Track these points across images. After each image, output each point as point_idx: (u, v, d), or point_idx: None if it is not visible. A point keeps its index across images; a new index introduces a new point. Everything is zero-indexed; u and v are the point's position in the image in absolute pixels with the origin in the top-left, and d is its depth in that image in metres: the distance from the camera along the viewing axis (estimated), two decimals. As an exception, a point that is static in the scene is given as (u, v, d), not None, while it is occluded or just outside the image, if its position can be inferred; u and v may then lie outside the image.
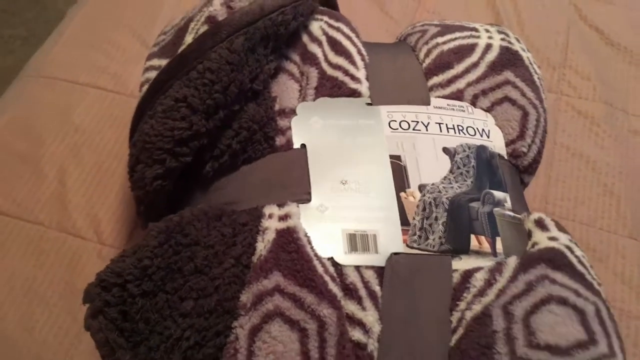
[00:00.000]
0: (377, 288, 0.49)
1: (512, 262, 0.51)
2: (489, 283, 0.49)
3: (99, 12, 0.94)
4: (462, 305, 0.49)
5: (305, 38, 0.60)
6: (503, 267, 0.50)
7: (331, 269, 0.49)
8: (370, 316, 0.48)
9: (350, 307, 0.48)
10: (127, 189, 0.76)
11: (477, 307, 0.48)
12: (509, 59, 0.62)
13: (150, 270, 0.47)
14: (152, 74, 0.60)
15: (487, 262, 0.51)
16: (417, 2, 0.98)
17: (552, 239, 0.53)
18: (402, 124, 0.57)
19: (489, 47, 0.62)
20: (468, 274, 0.50)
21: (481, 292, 0.49)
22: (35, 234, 0.72)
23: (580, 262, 0.51)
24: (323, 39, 0.60)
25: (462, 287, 0.50)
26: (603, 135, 0.84)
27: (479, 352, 0.46)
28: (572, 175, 0.81)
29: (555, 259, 0.50)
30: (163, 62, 0.60)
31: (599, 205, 0.79)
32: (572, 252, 0.52)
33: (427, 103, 0.58)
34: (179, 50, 0.57)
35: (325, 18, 0.63)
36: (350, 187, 0.53)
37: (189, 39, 0.57)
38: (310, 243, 0.49)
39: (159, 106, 0.53)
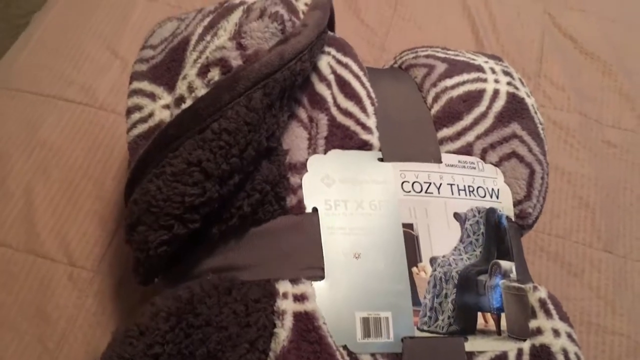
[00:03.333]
0: None
1: None
2: None
3: (66, 19, 0.90)
4: None
5: (313, 77, 0.57)
6: None
7: (347, 359, 0.48)
8: None
9: None
10: (97, 209, 0.74)
11: None
12: (515, 109, 0.61)
13: (161, 358, 0.44)
14: (142, 100, 0.57)
15: (492, 344, 0.52)
16: (393, 9, 0.97)
17: (556, 332, 0.53)
18: (415, 185, 0.55)
19: (496, 93, 0.61)
20: None
21: None
22: (2, 257, 0.69)
23: None
24: (332, 78, 0.58)
25: None
26: (578, 147, 0.85)
27: None
28: (548, 188, 0.81)
29: None
30: (156, 89, 0.57)
31: (574, 218, 0.80)
32: (567, 356, 0.52)
33: (439, 160, 0.57)
34: (179, 91, 0.54)
35: (333, 51, 0.60)
36: (363, 261, 0.51)
37: (191, 72, 0.53)
38: (329, 332, 0.48)
39: (169, 167, 0.49)
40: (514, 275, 0.55)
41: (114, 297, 0.68)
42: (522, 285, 0.55)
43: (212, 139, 0.48)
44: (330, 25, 0.66)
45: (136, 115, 0.56)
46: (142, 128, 0.55)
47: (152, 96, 0.56)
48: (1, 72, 0.85)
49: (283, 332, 0.47)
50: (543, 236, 0.78)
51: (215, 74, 0.51)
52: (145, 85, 0.57)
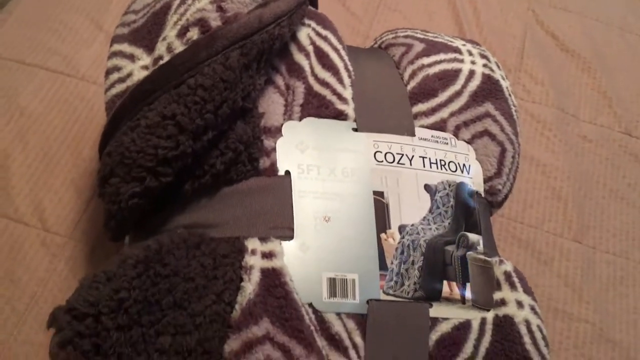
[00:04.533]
0: (358, 339, 0.49)
1: (481, 352, 0.52)
2: None
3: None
4: None
5: (292, 46, 0.58)
6: (475, 358, 0.52)
7: (312, 316, 0.49)
8: None
9: (336, 359, 0.48)
10: (74, 177, 0.74)
11: None
12: (490, 90, 0.62)
13: (127, 303, 0.44)
14: (121, 61, 0.57)
15: (456, 312, 0.53)
16: (379, -2, 0.98)
17: (519, 304, 0.55)
18: (388, 156, 0.56)
19: (472, 74, 0.62)
20: (442, 344, 0.51)
21: None
22: (-25, 220, 0.69)
23: (534, 342, 0.53)
24: (310, 49, 0.58)
25: (439, 355, 0.51)
26: (554, 140, 0.86)
27: None
28: (522, 178, 0.83)
29: (511, 352, 0.52)
30: (135, 51, 0.57)
31: (547, 209, 0.81)
32: (529, 327, 0.54)
33: (412, 133, 0.58)
34: (158, 52, 0.54)
35: (313, 24, 0.60)
36: (333, 225, 0.52)
37: (171, 34, 0.54)
38: (295, 288, 0.49)
39: (143, 119, 0.49)
40: (480, 247, 0.56)
41: (86, 263, 0.68)
42: (489, 258, 0.56)
43: (187, 94, 0.49)
44: (313, 3, 0.66)
45: (115, 76, 0.56)
46: (120, 88, 0.55)
47: (132, 57, 0.57)
48: (-18, 39, 0.85)
49: (250, 286, 0.47)
50: (515, 224, 0.79)
51: (194, 34, 0.52)
52: (125, 47, 0.58)
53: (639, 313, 0.75)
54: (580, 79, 0.94)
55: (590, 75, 0.94)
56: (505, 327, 0.53)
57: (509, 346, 0.52)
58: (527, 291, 0.56)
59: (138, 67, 0.56)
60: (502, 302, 0.55)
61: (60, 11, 0.87)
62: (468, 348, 0.52)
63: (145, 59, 0.56)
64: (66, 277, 0.67)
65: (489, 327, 0.53)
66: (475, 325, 0.53)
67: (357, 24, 0.94)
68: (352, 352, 0.49)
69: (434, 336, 0.51)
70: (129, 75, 0.56)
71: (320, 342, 0.48)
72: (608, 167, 0.86)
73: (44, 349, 0.63)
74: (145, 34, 0.58)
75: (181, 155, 0.49)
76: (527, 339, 0.53)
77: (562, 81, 0.93)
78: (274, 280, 0.48)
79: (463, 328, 0.52)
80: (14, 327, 0.64)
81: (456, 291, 0.54)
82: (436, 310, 0.52)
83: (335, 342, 0.49)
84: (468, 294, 0.54)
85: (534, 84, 0.91)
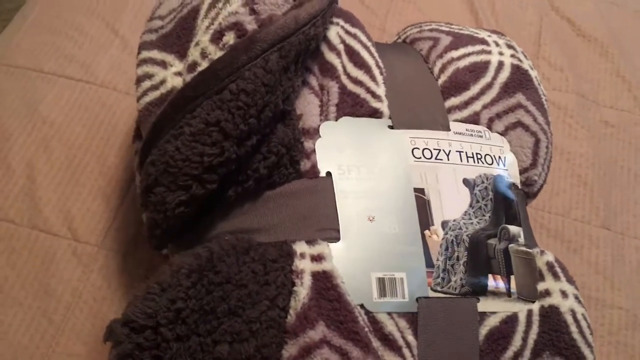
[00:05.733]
0: (410, 338, 0.49)
1: (530, 344, 0.52)
2: None
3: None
4: None
5: (323, 46, 0.58)
6: (524, 350, 0.52)
7: (365, 318, 0.49)
8: None
9: (391, 359, 0.48)
10: (100, 185, 0.73)
11: None
12: (520, 80, 0.62)
13: (184, 313, 0.44)
14: (152, 69, 0.56)
15: (503, 305, 0.53)
16: (393, -9, 0.97)
17: (564, 294, 0.55)
18: (425, 152, 0.56)
19: (501, 65, 0.62)
20: (491, 338, 0.52)
21: None
22: (6, 233, 0.69)
23: (579, 330, 0.54)
24: (341, 47, 0.58)
25: (488, 354, 0.51)
26: (576, 127, 0.86)
27: None
28: (548, 167, 0.83)
29: (559, 341, 0.52)
30: (165, 56, 0.57)
31: (573, 196, 0.81)
32: (575, 317, 0.54)
33: (447, 128, 0.58)
34: (191, 57, 0.54)
35: (341, 22, 0.60)
36: (377, 224, 0.52)
37: (204, 38, 0.53)
38: (347, 290, 0.49)
39: (187, 127, 0.49)
40: (522, 239, 0.56)
41: (119, 272, 0.68)
42: (530, 250, 0.56)
43: (230, 100, 0.48)
44: None
45: (147, 83, 0.56)
46: (153, 95, 0.55)
47: (163, 64, 0.56)
48: None
49: (303, 290, 0.47)
50: (543, 214, 0.79)
51: (230, 38, 0.52)
52: (154, 54, 0.57)
53: (672, 297, 0.75)
54: (599, 63, 0.93)
55: (608, 59, 0.93)
56: (551, 318, 0.53)
57: (556, 336, 0.52)
58: (570, 280, 0.56)
59: (171, 73, 0.55)
60: (547, 293, 0.55)
61: (75, 16, 0.87)
62: (517, 341, 0.52)
63: (178, 65, 0.56)
64: (100, 287, 0.67)
65: (535, 319, 0.53)
66: (522, 317, 0.53)
67: (372, 17, 0.94)
68: (406, 351, 0.49)
69: (483, 331, 0.51)
70: (162, 82, 0.55)
71: (375, 343, 0.48)
72: (632, 151, 0.86)
73: (82, 359, 0.63)
74: (175, 40, 0.57)
75: (226, 161, 0.49)
76: (573, 328, 0.53)
77: (581, 67, 0.92)
78: (325, 283, 0.48)
79: (511, 321, 0.52)
80: (52, 339, 0.64)
81: (501, 284, 0.54)
82: (483, 304, 0.52)
83: (389, 342, 0.49)
84: (513, 287, 0.54)
85: (552, 71, 0.91)
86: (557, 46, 0.93)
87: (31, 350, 0.63)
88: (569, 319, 0.53)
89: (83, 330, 0.64)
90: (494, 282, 0.54)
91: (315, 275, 0.48)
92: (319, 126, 0.54)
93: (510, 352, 0.51)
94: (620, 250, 0.78)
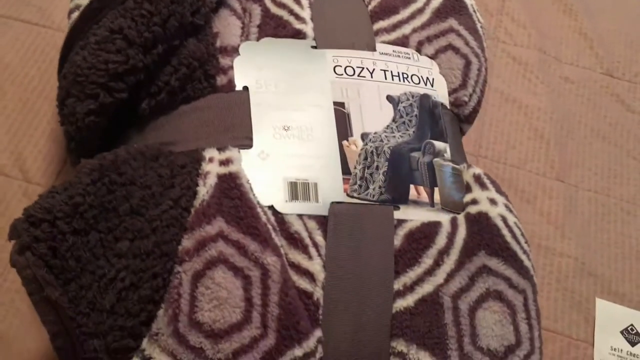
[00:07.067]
0: (319, 238, 0.49)
1: (458, 243, 0.51)
2: (437, 263, 0.50)
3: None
4: (410, 274, 0.50)
5: None
6: (450, 248, 0.51)
7: (272, 218, 0.49)
8: (316, 265, 0.48)
9: (295, 256, 0.48)
10: (54, 127, 0.73)
11: (428, 287, 0.49)
12: (453, 6, 0.62)
13: (82, 208, 0.45)
14: (82, 1, 0.56)
15: (424, 214, 0.52)
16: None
17: (492, 201, 0.54)
18: (347, 69, 0.56)
19: None
20: (411, 237, 0.51)
21: (430, 271, 0.50)
22: (-45, 172, 0.69)
23: (513, 235, 0.53)
24: None
25: (407, 252, 0.50)
26: (536, 82, 0.86)
27: (433, 341, 0.48)
28: (505, 120, 0.83)
29: (493, 243, 0.52)
30: None
31: (529, 149, 0.81)
32: (506, 223, 0.53)
33: (373, 48, 0.58)
34: None
35: None
36: (293, 133, 0.52)
37: None
38: (252, 190, 0.49)
39: (92, 36, 0.50)
40: (448, 155, 0.56)
41: (69, 211, 0.68)
42: (457, 165, 0.56)
43: (133, 8, 0.50)
44: None
45: (75, 14, 0.56)
46: None
47: None
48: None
49: (204, 189, 0.48)
50: (498, 165, 0.80)
51: None
52: None
53: (620, 247, 0.76)
54: (562, 21, 0.93)
55: (572, 17, 0.94)
56: (480, 222, 0.52)
57: (488, 238, 0.52)
58: (500, 192, 0.56)
59: None
60: (474, 202, 0.54)
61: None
62: (441, 239, 0.51)
63: None
64: (49, 225, 0.67)
65: (461, 222, 0.52)
66: (445, 222, 0.52)
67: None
68: (312, 250, 0.49)
69: (401, 232, 0.51)
70: None
71: (280, 241, 0.48)
72: (590, 107, 0.86)
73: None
74: None
75: (132, 69, 0.50)
76: (505, 232, 0.52)
77: (544, 24, 0.93)
78: (229, 183, 0.48)
79: (433, 225, 0.52)
80: (0, 275, 0.64)
81: (424, 195, 0.53)
82: (404, 212, 0.52)
83: (294, 240, 0.49)
84: (437, 199, 0.54)
85: (515, 27, 0.91)
86: (521, 3, 0.93)
87: (-23, 285, 0.63)
88: (500, 223, 0.52)
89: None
90: (416, 193, 0.53)
91: (221, 177, 0.48)
92: (238, 45, 0.55)
93: (433, 251, 0.51)
94: (573, 202, 0.78)
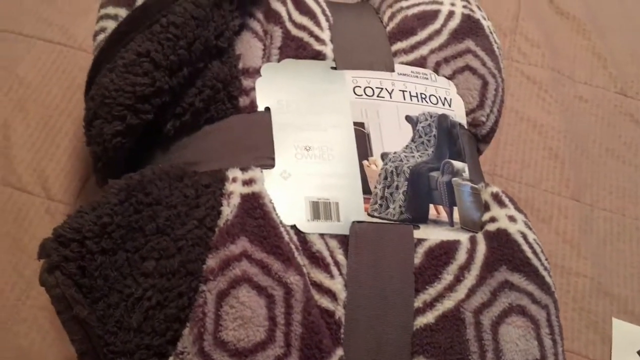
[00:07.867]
0: (340, 257, 0.50)
1: (479, 259, 0.51)
2: (457, 279, 0.50)
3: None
4: (431, 291, 0.50)
5: None
6: (470, 264, 0.51)
7: (294, 237, 0.49)
8: (338, 284, 0.49)
9: (317, 275, 0.49)
10: (76, 145, 0.74)
11: (448, 303, 0.50)
12: (470, 28, 0.63)
13: (110, 227, 0.46)
14: (108, 23, 0.58)
15: (444, 233, 0.53)
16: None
17: (511, 218, 0.54)
18: (367, 90, 0.57)
19: (451, 14, 0.63)
20: (431, 255, 0.51)
21: (451, 287, 0.50)
22: (-21, 189, 0.70)
23: (533, 251, 0.53)
24: None
25: (427, 270, 0.51)
26: (550, 101, 0.87)
27: (455, 357, 0.48)
28: (520, 139, 0.84)
29: (514, 258, 0.52)
30: (119, 11, 0.58)
31: (544, 168, 0.82)
32: (526, 239, 0.53)
33: (392, 69, 0.59)
34: (136, 5, 0.56)
35: None
36: (314, 153, 0.53)
37: None
38: (275, 210, 0.50)
39: (120, 60, 0.51)
40: (466, 174, 0.57)
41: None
42: (475, 185, 0.57)
43: (160, 32, 0.51)
44: None
45: (101, 37, 0.57)
46: None
47: (116, 17, 0.58)
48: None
49: (227, 209, 0.49)
50: (514, 184, 0.80)
51: None
52: (110, 10, 0.59)
53: (636, 267, 0.76)
54: (575, 40, 0.94)
55: (585, 36, 0.94)
56: (500, 238, 0.52)
57: (509, 253, 0.52)
58: (519, 209, 0.56)
59: None
60: (492, 220, 0.54)
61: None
62: (461, 255, 0.51)
63: None
64: (71, 243, 0.68)
65: (480, 239, 0.53)
66: (464, 240, 0.52)
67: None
68: (334, 269, 0.49)
69: (421, 250, 0.51)
70: None
71: (302, 260, 0.49)
72: (604, 126, 0.87)
73: (51, 313, 0.64)
74: None
75: (158, 91, 0.51)
76: (526, 247, 0.52)
77: (557, 43, 0.93)
78: (252, 203, 0.49)
79: (453, 242, 0.52)
80: (22, 293, 0.65)
81: (443, 214, 0.54)
82: (424, 231, 0.52)
83: (316, 259, 0.49)
84: (456, 218, 0.54)
85: (529, 46, 0.92)
86: (535, 22, 0.94)
87: (1, 302, 0.64)
88: (520, 240, 0.52)
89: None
90: (436, 212, 0.53)
91: (244, 197, 0.49)
92: (260, 67, 0.56)
93: (454, 267, 0.51)
94: (588, 221, 0.79)
